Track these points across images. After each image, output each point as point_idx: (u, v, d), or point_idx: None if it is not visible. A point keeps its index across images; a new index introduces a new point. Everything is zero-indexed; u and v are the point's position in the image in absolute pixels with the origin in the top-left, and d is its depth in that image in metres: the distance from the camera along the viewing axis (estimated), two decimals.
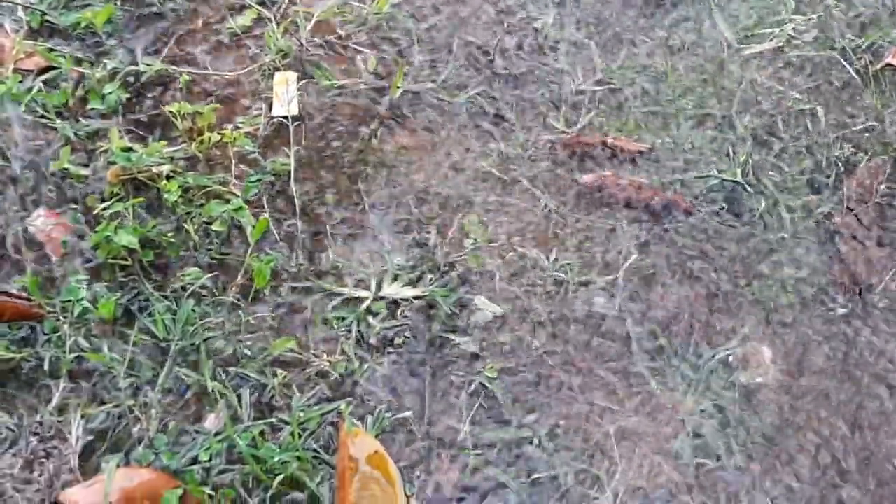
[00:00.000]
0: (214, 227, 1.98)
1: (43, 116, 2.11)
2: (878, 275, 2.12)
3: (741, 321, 2.03)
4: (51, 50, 2.21)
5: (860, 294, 2.09)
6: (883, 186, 2.23)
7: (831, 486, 1.86)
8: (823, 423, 1.93)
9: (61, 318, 1.87)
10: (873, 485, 1.87)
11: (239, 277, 1.96)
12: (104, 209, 1.97)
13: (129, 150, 2.03)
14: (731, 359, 1.98)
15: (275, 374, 1.85)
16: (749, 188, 2.19)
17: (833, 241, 2.15)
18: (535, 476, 1.81)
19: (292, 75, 2.23)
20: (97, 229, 1.94)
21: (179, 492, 1.68)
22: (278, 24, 2.31)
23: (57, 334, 1.85)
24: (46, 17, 2.25)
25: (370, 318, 1.94)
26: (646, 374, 1.94)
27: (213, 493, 1.71)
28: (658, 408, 1.91)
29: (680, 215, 2.14)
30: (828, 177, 2.23)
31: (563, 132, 2.24)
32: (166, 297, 1.91)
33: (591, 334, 1.98)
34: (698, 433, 1.89)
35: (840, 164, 2.25)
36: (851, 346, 2.02)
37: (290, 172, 2.09)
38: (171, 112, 2.11)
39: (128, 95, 2.16)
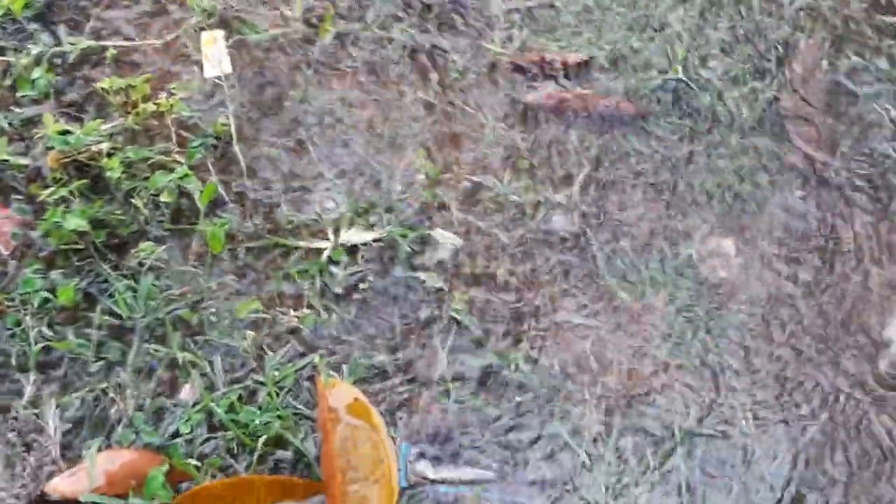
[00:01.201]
0: (163, 198, 1.96)
1: None
2: (831, 152, 2.12)
3: (701, 218, 2.03)
4: None
5: (815, 173, 2.09)
6: (825, 63, 2.22)
7: (806, 361, 1.87)
8: (793, 307, 1.94)
9: (22, 311, 1.85)
10: (845, 360, 1.88)
11: (194, 245, 1.94)
12: (49, 196, 1.94)
13: (66, 132, 1.99)
14: (694, 256, 1.98)
15: (244, 337, 1.84)
16: (693, 84, 2.18)
17: (782, 125, 2.15)
18: (518, 400, 1.82)
19: (220, 33, 2.20)
20: (45, 217, 1.91)
21: (165, 467, 1.67)
22: None
23: (20, 328, 1.83)
24: None
25: (332, 268, 1.93)
26: (613, 283, 1.95)
27: (199, 463, 1.70)
28: (630, 315, 1.92)
29: (628, 121, 2.13)
30: (769, 61, 2.23)
31: (501, 53, 2.21)
32: (125, 276, 1.89)
33: (555, 252, 1.97)
34: (672, 334, 1.90)
35: (780, 47, 2.24)
36: (812, 227, 2.02)
37: (231, 132, 2.07)
38: (102, 89, 2.08)
39: (57, 78, 2.13)
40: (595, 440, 1.78)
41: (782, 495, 1.75)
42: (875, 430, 1.82)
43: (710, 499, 1.74)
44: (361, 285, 1.91)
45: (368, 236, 1.95)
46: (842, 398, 1.85)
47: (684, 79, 2.18)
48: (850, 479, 1.78)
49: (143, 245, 1.91)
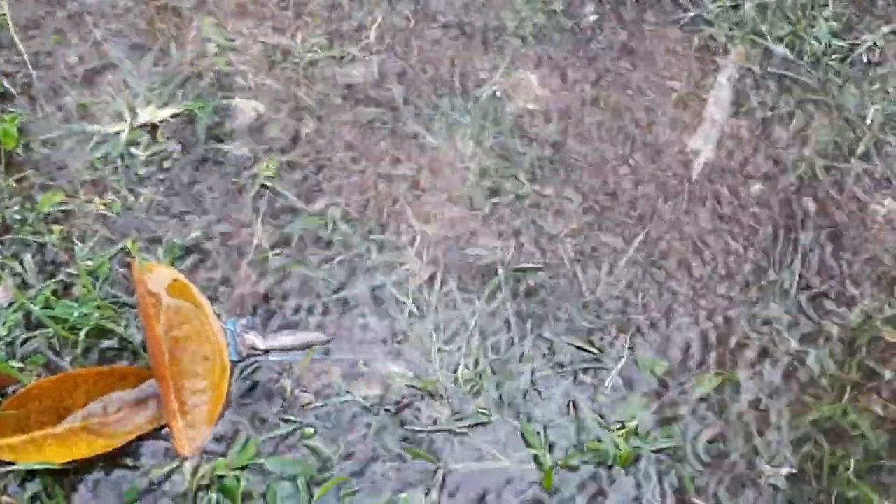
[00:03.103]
0: None
1: None
2: None
3: (500, 54, 2.04)
4: None
5: None
6: None
7: (621, 181, 1.91)
8: (601, 130, 1.96)
9: None
10: (658, 174, 1.93)
11: None
12: None
13: None
14: (498, 93, 1.99)
15: (51, 231, 1.79)
16: None
17: None
18: (338, 259, 1.81)
19: None
20: None
21: None
22: None
23: None
24: None
25: (133, 149, 1.88)
26: (421, 130, 1.94)
27: (22, 365, 1.67)
28: (442, 159, 1.92)
29: None
30: None
31: None
32: None
33: (358, 105, 1.96)
34: (486, 173, 1.91)
35: None
36: (610, 46, 2.05)
37: (8, 23, 1.98)
38: None
39: None
40: (421, 288, 1.79)
41: (610, 316, 1.79)
42: (694, 238, 1.87)
43: (538, 327, 1.77)
44: (165, 163, 1.87)
45: (166, 113, 1.91)
46: (659, 210, 1.89)
47: None
48: (679, 285, 1.83)
49: None
